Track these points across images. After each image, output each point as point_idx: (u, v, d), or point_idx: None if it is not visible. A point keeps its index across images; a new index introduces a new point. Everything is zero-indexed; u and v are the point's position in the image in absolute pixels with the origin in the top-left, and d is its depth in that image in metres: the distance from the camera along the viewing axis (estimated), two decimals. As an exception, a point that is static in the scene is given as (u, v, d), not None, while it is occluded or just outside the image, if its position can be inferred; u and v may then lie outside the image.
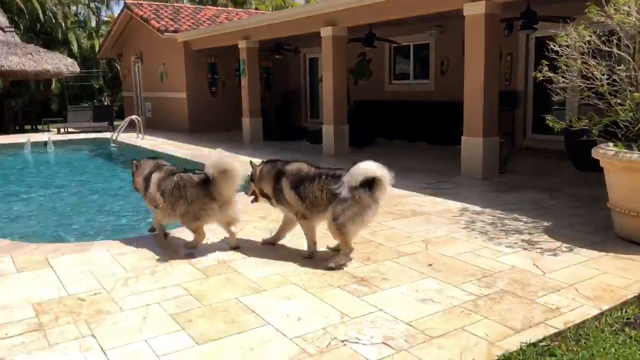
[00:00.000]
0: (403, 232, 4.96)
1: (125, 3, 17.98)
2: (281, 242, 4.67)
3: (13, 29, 18.21)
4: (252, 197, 4.71)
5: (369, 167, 4.03)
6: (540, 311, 3.24)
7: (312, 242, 4.36)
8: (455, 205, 6.02)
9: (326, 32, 10.06)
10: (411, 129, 12.08)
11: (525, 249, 4.42)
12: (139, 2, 19.01)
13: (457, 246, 4.53)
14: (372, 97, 13.56)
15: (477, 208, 5.88)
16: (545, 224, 5.19)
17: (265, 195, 4.54)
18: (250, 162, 4.78)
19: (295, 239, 4.68)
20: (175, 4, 20.18)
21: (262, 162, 4.67)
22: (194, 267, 4.08)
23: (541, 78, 5.10)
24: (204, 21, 17.15)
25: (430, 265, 4.08)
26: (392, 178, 4.13)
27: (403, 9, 8.65)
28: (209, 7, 21.09)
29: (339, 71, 10.22)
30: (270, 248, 4.53)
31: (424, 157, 9.96)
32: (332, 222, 4.03)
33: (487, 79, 7.46)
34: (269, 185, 4.44)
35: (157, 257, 4.33)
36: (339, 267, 4.02)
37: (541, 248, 4.44)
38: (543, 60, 5.09)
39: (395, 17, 9.14)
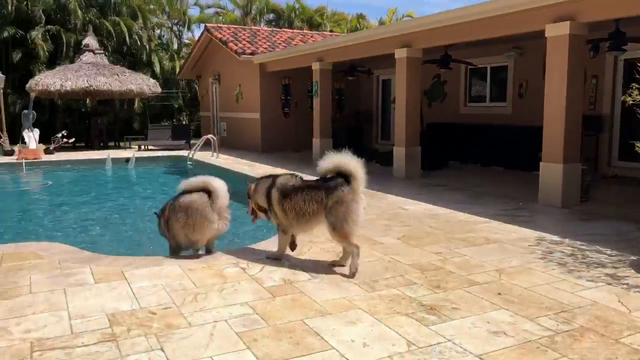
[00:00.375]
0: (475, 260, 4.76)
1: (205, 26, 18.79)
2: (360, 264, 4.61)
3: (102, 51, 19.44)
4: (252, 215, 4.97)
5: (341, 159, 4.33)
6: (624, 352, 2.99)
7: (282, 251, 4.78)
8: (531, 234, 5.73)
9: (401, 53, 10.01)
10: (486, 153, 11.74)
11: (609, 284, 4.11)
12: (219, 25, 19.83)
13: (532, 277, 4.29)
14: (446, 120, 13.32)
15: (556, 238, 5.57)
16: (632, 257, 4.82)
17: (262, 210, 4.81)
18: (246, 181, 5.13)
19: (363, 262, 4.62)
20: (253, 27, 20.85)
21: (257, 179, 4.98)
22: (261, 286, 4.10)
23: (631, 102, 4.80)
24: (280, 43, 17.58)
25: (499, 294, 3.89)
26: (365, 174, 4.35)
27: (482, 30, 8.47)
28: (284, 29, 21.61)
29: (412, 93, 10.12)
30: (339, 270, 4.47)
31: (498, 182, 9.61)
32: (332, 231, 4.34)
33: (570, 103, 7.12)
34: (262, 199, 4.73)
35: (225, 274, 4.39)
36: (355, 271, 4.30)
37: (627, 284, 4.12)
38: (634, 84, 4.79)
39: (473, 39, 8.97)
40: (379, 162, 12.38)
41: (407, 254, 4.95)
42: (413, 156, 10.25)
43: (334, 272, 4.41)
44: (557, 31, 7.10)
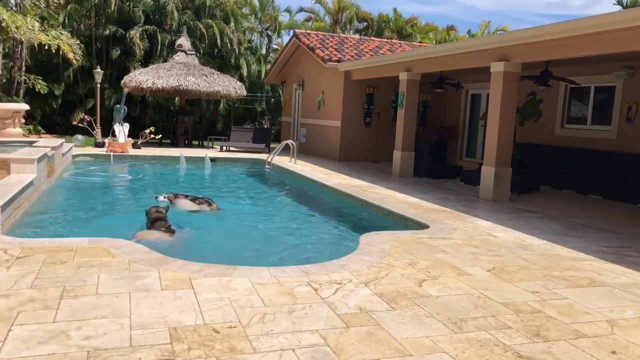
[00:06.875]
0: (579, 306, 4.14)
1: (294, 32, 18.80)
2: (445, 298, 4.14)
3: (194, 52, 19.92)
4: None
5: None
6: None
7: None
8: (645, 279, 4.99)
9: (497, 67, 9.35)
10: (583, 180, 10.76)
11: None
12: (307, 32, 19.80)
13: (652, 335, 3.63)
14: (540, 141, 12.42)
15: (676, 287, 4.80)
16: None
17: None
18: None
19: (448, 295, 4.14)
20: (341, 35, 20.67)
21: None
22: (334, 312, 3.72)
23: None
24: (367, 52, 17.25)
25: (613, 353, 3.29)
26: None
27: (591, 46, 7.69)
28: (372, 38, 21.25)
29: (507, 110, 9.41)
30: (421, 302, 4.01)
31: (598, 213, 8.70)
32: None
33: (695, 131, 6.25)
34: None
35: (295, 293, 4.05)
36: None
37: None
38: None
39: (580, 55, 8.19)
40: (463, 180, 11.71)
41: (498, 290, 4.40)
42: (502, 177, 9.53)
43: (416, 305, 3.96)
44: (687, 49, 6.26)
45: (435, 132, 16.15)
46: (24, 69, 20.36)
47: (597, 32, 7.45)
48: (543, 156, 12.10)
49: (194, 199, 8.33)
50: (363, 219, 8.19)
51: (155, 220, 6.46)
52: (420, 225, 6.94)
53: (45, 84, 19.87)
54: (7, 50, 21.18)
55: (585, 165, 11.05)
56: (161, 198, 7.97)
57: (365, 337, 3.33)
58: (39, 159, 8.34)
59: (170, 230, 6.36)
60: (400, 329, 3.49)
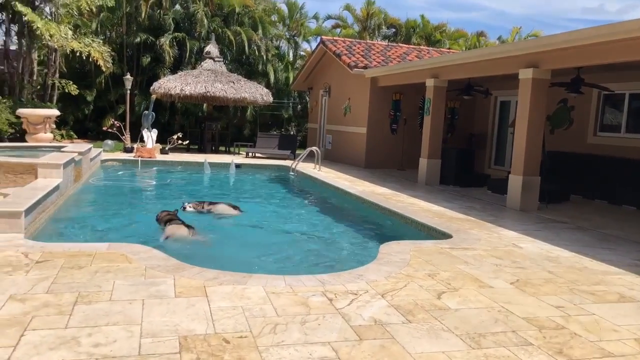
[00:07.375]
0: (607, 323, 3.95)
1: (321, 38, 18.80)
2: (464, 311, 4.01)
3: (222, 59, 20.09)
4: None
5: None
6: None
7: None
8: (678, 295, 4.74)
9: (525, 74, 9.12)
10: (617, 190, 10.41)
11: None
12: (334, 38, 19.77)
13: (685, 355, 3.43)
14: (570, 149, 12.07)
15: None
16: None
17: None
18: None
19: (468, 308, 3.99)
20: (368, 41, 20.58)
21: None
22: (347, 323, 3.63)
23: None
24: (394, 58, 17.12)
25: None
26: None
27: (625, 52, 7.42)
28: (400, 44, 21.10)
29: (535, 117, 9.17)
30: (439, 315, 3.88)
31: (632, 224, 8.38)
32: None
33: None
34: None
35: (309, 303, 3.97)
36: None
37: None
38: None
39: (613, 61, 7.93)
40: (490, 188, 11.46)
41: (521, 304, 4.24)
42: (530, 186, 9.28)
43: (434, 318, 3.83)
44: None
45: (463, 140, 15.89)
46: (57, 75, 20.86)
47: (631, 37, 7.20)
48: (574, 165, 11.76)
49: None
50: (385, 228, 8.07)
51: (168, 221, 6.82)
52: (444, 235, 6.79)
53: (76, 86, 20.26)
54: (42, 58, 21.73)
55: (618, 175, 10.69)
56: (188, 208, 8.12)
57: (378, 351, 3.23)
58: (65, 164, 8.47)
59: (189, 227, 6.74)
60: (415, 343, 3.38)
